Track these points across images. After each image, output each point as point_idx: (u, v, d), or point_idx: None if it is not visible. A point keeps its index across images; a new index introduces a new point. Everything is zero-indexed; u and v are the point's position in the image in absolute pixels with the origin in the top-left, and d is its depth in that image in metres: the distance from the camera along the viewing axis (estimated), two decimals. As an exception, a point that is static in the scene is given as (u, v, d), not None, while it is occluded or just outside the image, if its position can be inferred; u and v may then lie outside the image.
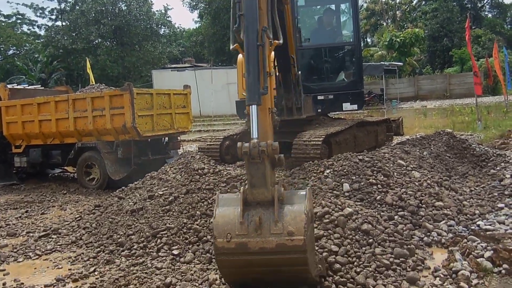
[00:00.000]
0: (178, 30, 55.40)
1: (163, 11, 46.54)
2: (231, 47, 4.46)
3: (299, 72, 8.23)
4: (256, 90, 4.00)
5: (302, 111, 8.40)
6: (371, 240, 4.93)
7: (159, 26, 44.76)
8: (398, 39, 39.51)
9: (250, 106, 3.99)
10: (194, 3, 46.74)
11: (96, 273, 5.31)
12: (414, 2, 58.15)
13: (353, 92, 9.06)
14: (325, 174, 6.67)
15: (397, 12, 56.08)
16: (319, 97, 9.04)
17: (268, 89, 4.18)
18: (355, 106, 9.12)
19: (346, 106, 9.02)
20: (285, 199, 3.84)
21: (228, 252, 3.83)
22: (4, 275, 5.56)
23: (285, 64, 7.61)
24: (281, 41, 4.75)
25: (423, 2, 56.74)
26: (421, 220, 5.81)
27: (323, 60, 9.61)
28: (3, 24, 46.30)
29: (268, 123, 4.33)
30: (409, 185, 6.47)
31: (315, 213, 5.16)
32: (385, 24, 54.77)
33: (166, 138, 12.09)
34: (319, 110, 9.13)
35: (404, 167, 7.10)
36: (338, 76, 9.41)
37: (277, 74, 7.95)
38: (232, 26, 4.42)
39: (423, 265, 4.77)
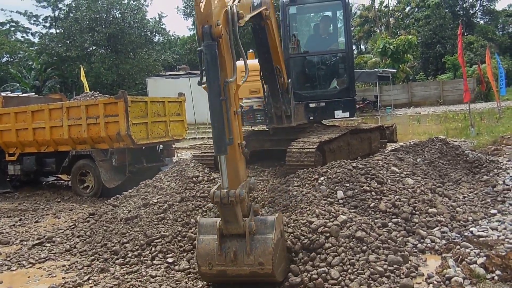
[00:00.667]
0: (172, 37, 55.40)
1: (157, 19, 46.49)
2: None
3: (289, 80, 8.27)
4: (222, 142, 4.25)
5: (292, 119, 8.43)
6: (365, 247, 4.95)
7: (154, 33, 44.78)
8: (391, 46, 39.75)
9: (219, 157, 4.36)
10: (189, 11, 46.90)
11: (90, 281, 5.31)
12: (407, 9, 58.61)
13: (345, 99, 9.10)
14: (319, 181, 6.69)
15: (390, 19, 56.45)
16: (311, 105, 9.06)
17: (233, 139, 4.44)
18: (346, 114, 9.15)
19: (338, 113, 9.06)
20: (256, 230, 4.50)
21: (210, 276, 4.70)
22: (-3, 284, 5.55)
23: (270, 75, 7.66)
24: (245, 78, 4.84)
25: (416, 9, 57.20)
26: (414, 227, 5.84)
27: (315, 67, 9.65)
28: (-4, 31, 46.23)
29: (238, 159, 4.61)
30: (402, 192, 6.51)
31: (310, 222, 5.25)
32: (378, 31, 55.10)
33: (161, 146, 12.09)
34: (311, 118, 9.15)
35: (398, 174, 7.14)
36: (330, 83, 9.45)
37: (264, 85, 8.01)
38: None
39: (416, 271, 4.80)
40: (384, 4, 55.86)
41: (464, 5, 56.20)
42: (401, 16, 57.84)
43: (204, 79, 4.34)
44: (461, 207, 6.64)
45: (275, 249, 4.44)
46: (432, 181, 7.43)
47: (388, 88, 38.84)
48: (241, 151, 4.71)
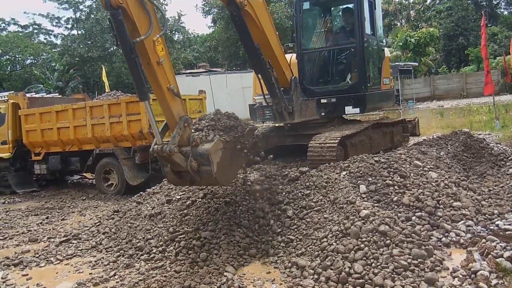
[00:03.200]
0: (192, 35, 55.64)
1: (176, 17, 46.85)
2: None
3: (293, 77, 8.26)
4: (142, 91, 5.11)
5: (295, 115, 8.37)
6: (388, 241, 4.92)
7: (173, 32, 45.06)
8: (412, 39, 39.21)
9: (144, 103, 5.25)
10: (207, 9, 47.00)
11: (116, 277, 5.40)
12: (428, 1, 57.70)
13: (355, 95, 8.81)
14: (341, 176, 6.67)
15: (411, 12, 55.68)
16: (322, 100, 8.87)
17: (160, 86, 5.30)
18: (357, 110, 8.85)
19: (349, 109, 8.82)
20: (198, 164, 5.33)
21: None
22: (27, 279, 5.69)
23: (259, 69, 7.68)
24: (163, 32, 5.40)
25: (437, 1, 56.29)
26: (439, 221, 5.78)
27: (327, 63, 9.48)
28: (20, 34, 47.16)
29: (168, 101, 5.38)
30: (426, 185, 6.44)
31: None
32: (399, 24, 54.43)
33: (183, 143, 12.16)
34: (323, 114, 8.99)
35: (421, 168, 7.06)
36: (343, 79, 9.25)
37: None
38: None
39: (441, 265, 4.75)
40: (404, -3, 55.18)
41: (487, -4, 55.10)
42: (422, 8, 56.95)
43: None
44: (487, 200, 6.54)
45: (218, 172, 5.38)
46: (456, 175, 7.33)
47: (410, 81, 38.35)
48: (172, 93, 5.39)
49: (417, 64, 37.88)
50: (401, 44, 40.36)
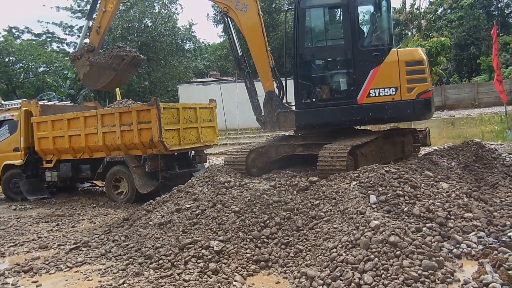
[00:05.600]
0: (203, 44, 55.88)
1: (188, 27, 47.04)
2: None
3: (270, 90, 8.74)
4: (89, 13, 8.82)
5: (266, 126, 8.94)
6: (398, 252, 4.89)
7: (184, 41, 45.28)
8: (423, 49, 39.08)
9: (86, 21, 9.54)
10: (218, 18, 47.28)
11: (125, 285, 5.40)
12: (439, 11, 57.54)
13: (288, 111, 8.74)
14: (351, 186, 6.64)
15: (422, 21, 55.50)
16: None
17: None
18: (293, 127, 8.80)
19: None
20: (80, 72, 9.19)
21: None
22: (37, 286, 5.72)
23: (240, 73, 9.02)
24: None
25: (449, 11, 56.12)
26: (450, 232, 5.72)
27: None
28: (34, 42, 47.73)
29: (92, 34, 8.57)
30: (437, 196, 6.39)
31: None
32: (410, 33, 54.25)
33: (193, 152, 12.22)
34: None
35: (432, 178, 7.01)
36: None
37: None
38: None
39: (452, 277, 4.70)
40: (415, 7, 55.09)
41: (499, 5, 54.79)
42: (433, 18, 56.77)
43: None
44: (498, 211, 6.47)
45: (84, 79, 8.98)
46: (467, 185, 7.27)
47: (420, 91, 38.05)
48: (97, 30, 8.70)
49: (428, 73, 37.64)
50: (412, 53, 40.15)
